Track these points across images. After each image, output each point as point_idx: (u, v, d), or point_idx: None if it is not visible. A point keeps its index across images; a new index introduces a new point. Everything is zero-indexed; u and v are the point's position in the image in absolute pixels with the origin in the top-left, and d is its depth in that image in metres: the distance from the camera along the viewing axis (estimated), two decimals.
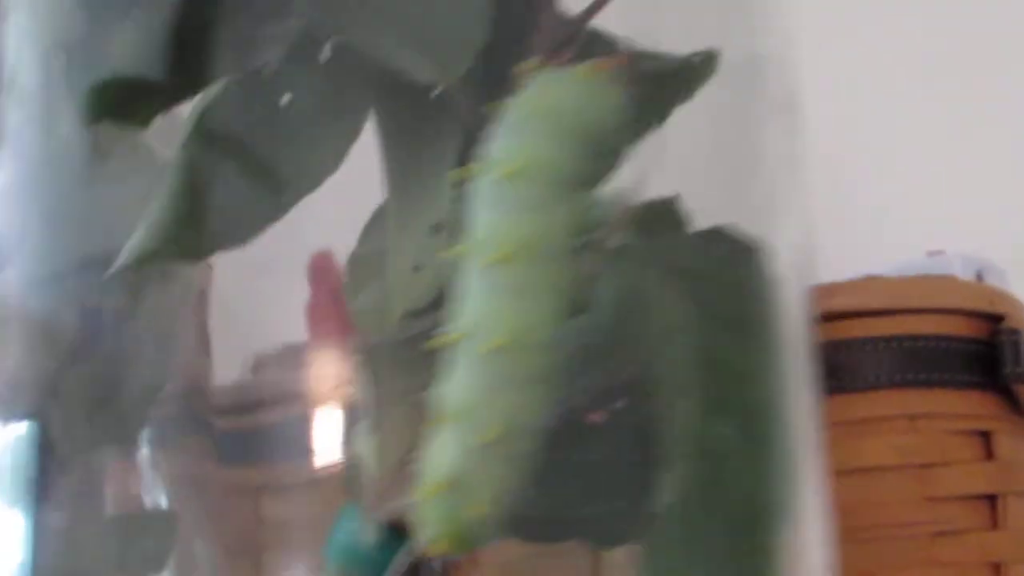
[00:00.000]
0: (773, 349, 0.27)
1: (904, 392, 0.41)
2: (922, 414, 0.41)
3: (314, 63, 0.26)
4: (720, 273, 0.27)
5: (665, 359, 0.25)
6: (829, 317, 0.41)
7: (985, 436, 0.42)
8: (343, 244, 0.28)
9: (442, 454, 0.22)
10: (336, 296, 0.57)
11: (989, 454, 0.41)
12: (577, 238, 0.22)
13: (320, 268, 0.56)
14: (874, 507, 0.40)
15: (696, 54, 0.30)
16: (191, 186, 0.26)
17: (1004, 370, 0.41)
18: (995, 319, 0.42)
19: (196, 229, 0.26)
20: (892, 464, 0.40)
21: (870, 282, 0.43)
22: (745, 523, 0.25)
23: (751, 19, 0.31)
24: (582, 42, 0.27)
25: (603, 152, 0.23)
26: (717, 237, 0.27)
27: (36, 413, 0.28)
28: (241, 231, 0.27)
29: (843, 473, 0.41)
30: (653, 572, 0.24)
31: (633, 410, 0.25)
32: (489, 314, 0.22)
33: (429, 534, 0.22)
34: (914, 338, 0.41)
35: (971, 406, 0.41)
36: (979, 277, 0.45)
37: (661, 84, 0.30)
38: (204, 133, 0.26)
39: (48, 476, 0.27)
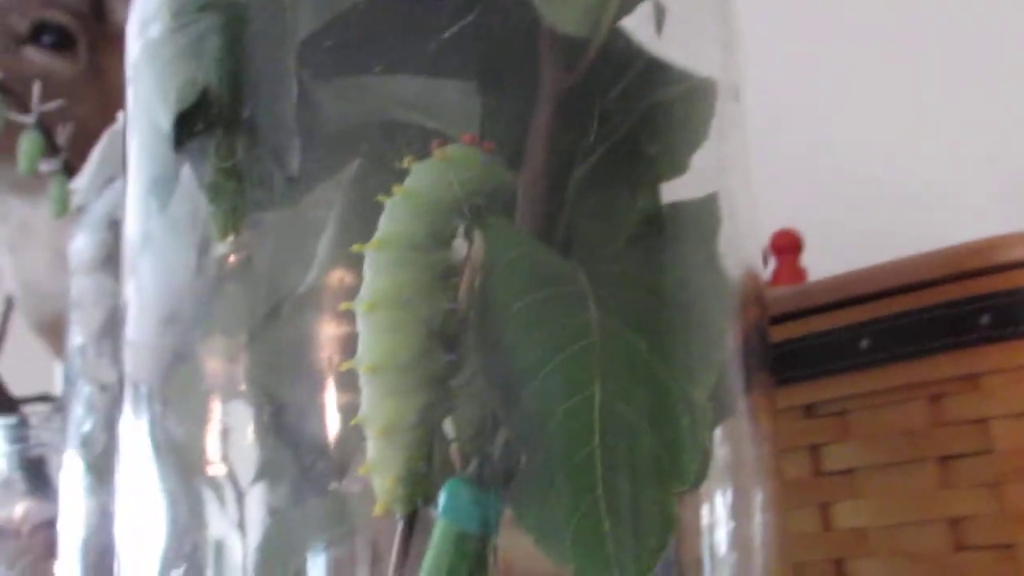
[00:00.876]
0: (692, 337, 0.33)
1: None
2: None
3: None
4: (645, 267, 0.33)
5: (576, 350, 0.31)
6: (1004, 268, 0.43)
7: None
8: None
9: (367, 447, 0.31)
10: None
11: None
12: (434, 283, 0.31)
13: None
14: None
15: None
16: None
17: None
18: None
19: None
20: None
21: None
22: (647, 480, 0.31)
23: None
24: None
25: (453, 215, 0.31)
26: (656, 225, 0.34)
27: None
28: None
29: (1013, 417, 0.43)
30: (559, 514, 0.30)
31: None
32: (365, 346, 0.31)
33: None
34: None
35: None
36: None
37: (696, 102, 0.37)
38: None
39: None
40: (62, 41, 0.89)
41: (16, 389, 0.82)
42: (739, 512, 0.35)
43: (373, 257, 0.31)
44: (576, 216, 0.35)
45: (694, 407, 0.31)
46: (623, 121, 0.35)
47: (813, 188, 0.74)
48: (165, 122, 0.35)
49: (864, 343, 0.47)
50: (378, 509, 0.31)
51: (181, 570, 0.35)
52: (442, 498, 0.32)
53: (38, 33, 0.89)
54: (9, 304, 0.95)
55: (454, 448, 0.32)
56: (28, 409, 0.79)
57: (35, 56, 0.88)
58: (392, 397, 0.30)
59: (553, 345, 0.31)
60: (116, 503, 0.37)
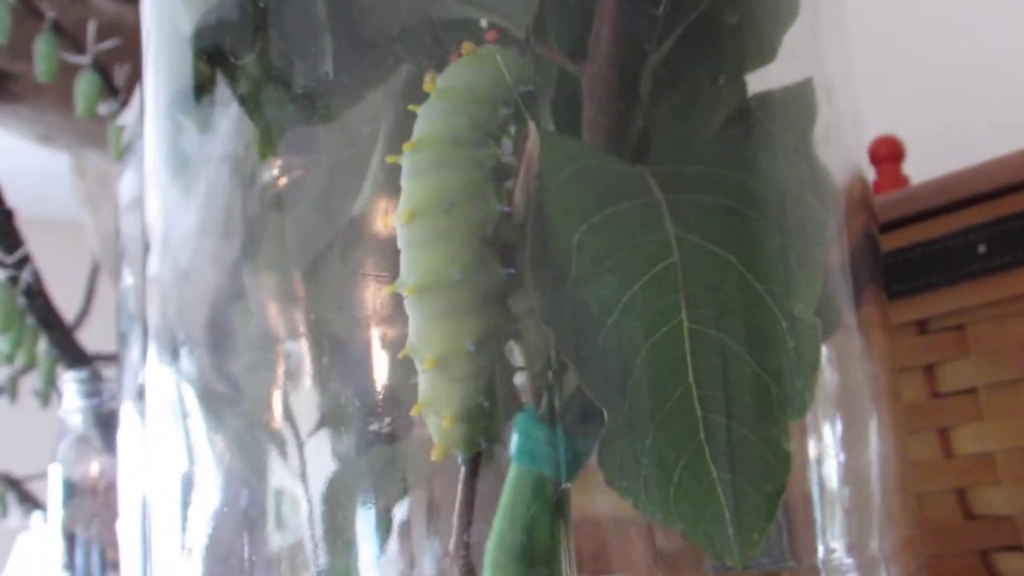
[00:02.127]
0: (789, 242, 0.28)
1: None
2: None
3: None
4: (730, 164, 0.29)
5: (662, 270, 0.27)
6: None
7: None
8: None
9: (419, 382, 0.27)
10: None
11: None
12: (483, 184, 0.27)
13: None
14: None
15: None
16: None
17: None
18: None
19: None
20: None
21: None
22: (753, 415, 0.26)
23: None
24: None
25: (498, 105, 0.27)
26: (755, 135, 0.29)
27: None
28: None
29: None
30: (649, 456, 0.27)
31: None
32: (407, 264, 0.26)
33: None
34: None
35: None
36: None
37: None
38: None
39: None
40: None
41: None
42: (851, 441, 0.30)
43: (409, 161, 0.26)
44: (651, 113, 0.30)
45: (799, 325, 0.27)
46: None
47: (912, 90, 0.68)
48: (187, 25, 0.31)
49: (982, 248, 0.42)
50: (436, 454, 0.27)
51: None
52: (514, 438, 0.28)
53: None
54: (96, 266, 0.94)
55: (523, 380, 0.28)
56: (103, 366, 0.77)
57: (104, 4, 0.86)
58: (443, 321, 0.26)
59: (628, 272, 0.26)
60: (145, 458, 0.33)
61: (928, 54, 0.72)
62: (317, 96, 0.31)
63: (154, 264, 0.33)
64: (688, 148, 0.29)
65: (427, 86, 0.27)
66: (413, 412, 0.27)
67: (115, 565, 0.69)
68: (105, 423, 0.72)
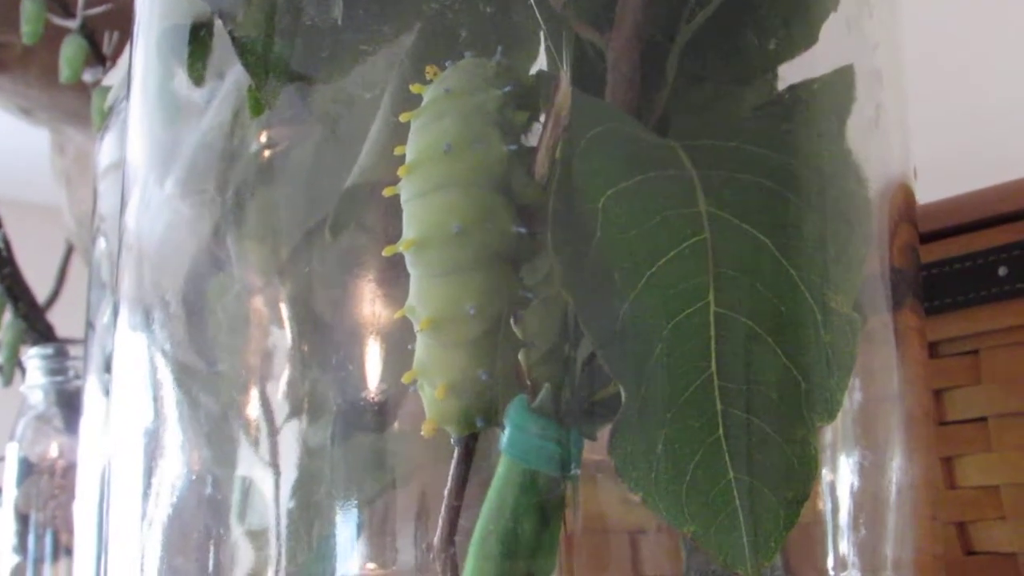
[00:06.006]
0: (829, 229, 0.26)
1: None
2: None
3: None
4: (766, 144, 0.26)
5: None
6: None
7: None
8: None
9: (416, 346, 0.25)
10: None
11: None
12: (486, 126, 0.24)
13: None
14: None
15: None
16: None
17: None
18: None
19: None
20: None
21: None
22: (779, 414, 0.24)
23: None
24: None
25: (478, 63, 0.26)
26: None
27: None
28: None
29: None
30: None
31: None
32: (408, 219, 0.24)
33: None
34: None
35: None
36: None
37: None
38: None
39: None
40: None
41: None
42: (870, 465, 0.28)
43: (413, 127, 0.25)
44: (680, 92, 0.28)
45: (835, 318, 0.25)
46: None
47: (918, 116, 0.67)
48: None
49: (1002, 270, 0.40)
50: (426, 428, 0.25)
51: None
52: (506, 428, 0.25)
53: None
54: (70, 247, 0.92)
55: (523, 359, 0.25)
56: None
57: None
58: (442, 278, 0.24)
59: (654, 244, 0.24)
60: (110, 422, 0.31)
61: (936, 82, 0.70)
62: (324, 43, 0.29)
63: (131, 223, 0.31)
64: (723, 124, 0.27)
65: (429, 72, 0.25)
66: (405, 378, 0.25)
67: (68, 551, 0.66)
68: (68, 402, 0.70)
